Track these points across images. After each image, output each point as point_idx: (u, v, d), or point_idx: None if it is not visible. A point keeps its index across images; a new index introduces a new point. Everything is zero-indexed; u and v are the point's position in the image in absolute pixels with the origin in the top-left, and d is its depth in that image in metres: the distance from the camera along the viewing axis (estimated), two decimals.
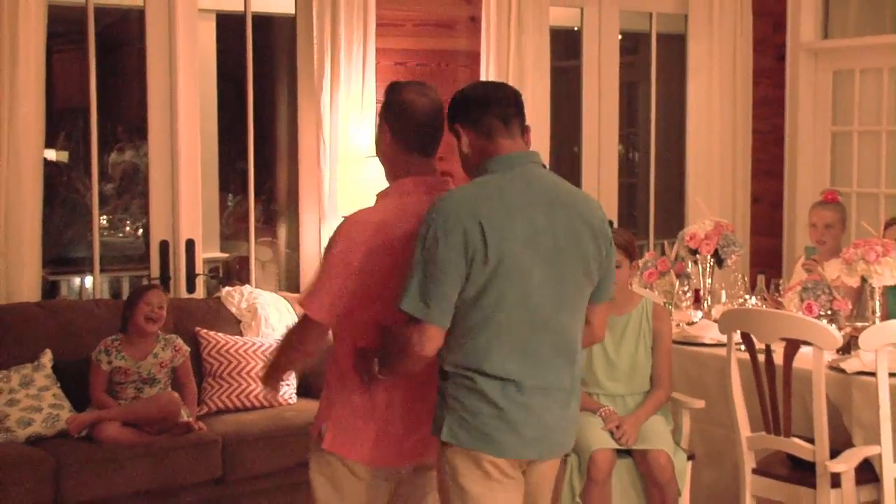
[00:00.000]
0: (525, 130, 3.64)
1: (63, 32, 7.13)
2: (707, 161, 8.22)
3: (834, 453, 4.75)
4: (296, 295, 6.71)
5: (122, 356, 5.67)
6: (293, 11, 6.92)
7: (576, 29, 8.11)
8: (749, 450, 5.04)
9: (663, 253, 6.46)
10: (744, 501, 5.05)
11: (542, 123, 7.49)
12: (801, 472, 4.87)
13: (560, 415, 3.59)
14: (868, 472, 4.82)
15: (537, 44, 7.40)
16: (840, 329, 5.23)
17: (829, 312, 5.35)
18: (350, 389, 3.67)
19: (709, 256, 6.17)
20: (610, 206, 8.06)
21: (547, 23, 7.47)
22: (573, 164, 8.19)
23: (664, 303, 6.02)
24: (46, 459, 5.23)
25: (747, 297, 6.01)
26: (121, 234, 8.98)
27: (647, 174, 8.49)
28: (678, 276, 6.16)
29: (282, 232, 8.74)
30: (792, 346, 4.80)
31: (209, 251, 7.72)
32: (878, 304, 5.34)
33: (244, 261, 7.46)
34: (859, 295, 5.58)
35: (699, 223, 6.28)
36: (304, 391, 6.19)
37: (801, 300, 5.41)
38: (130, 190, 8.94)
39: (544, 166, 3.66)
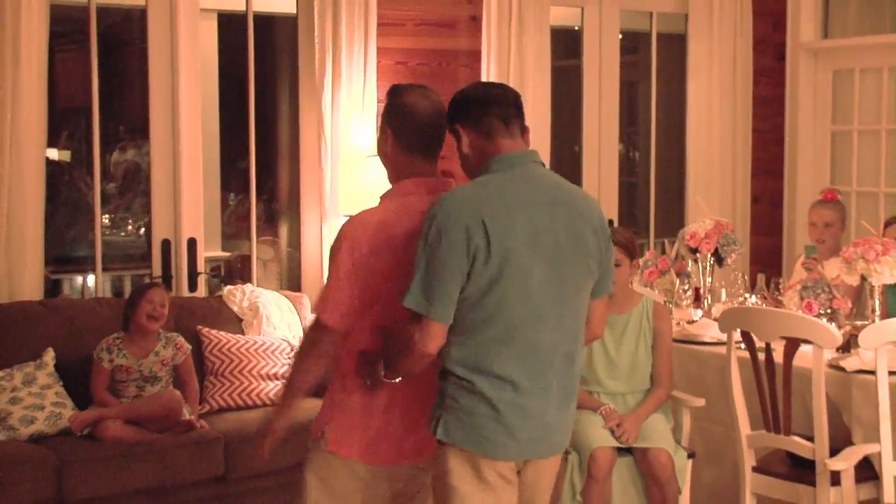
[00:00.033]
0: (524, 131, 3.65)
1: (65, 32, 7.13)
2: (707, 160, 8.22)
3: (834, 451, 4.76)
4: (297, 294, 6.73)
5: (123, 354, 5.68)
6: (294, 11, 6.92)
7: (576, 28, 8.11)
8: (749, 448, 5.05)
9: (663, 252, 6.47)
10: (744, 499, 5.06)
11: (543, 123, 7.50)
12: (801, 470, 4.88)
13: (558, 415, 3.60)
14: (868, 470, 4.83)
15: (538, 43, 7.41)
16: (840, 327, 5.24)
17: (828, 311, 5.36)
18: (351, 390, 3.68)
19: (709, 255, 6.17)
20: (610, 205, 8.07)
21: (548, 22, 7.48)
22: (574, 163, 8.19)
23: (664, 301, 6.03)
24: (49, 457, 5.24)
25: (747, 295, 6.02)
26: (123, 233, 8.99)
27: (647, 173, 8.50)
28: (678, 274, 6.18)
29: (283, 231, 8.75)
30: (792, 345, 4.81)
31: (211, 250, 7.73)
32: (877, 302, 5.35)
33: (246, 259, 7.47)
34: (859, 293, 5.59)
35: (699, 222, 6.28)
36: None
37: (801, 299, 5.41)
38: (132, 189, 8.95)
39: (543, 165, 3.68)
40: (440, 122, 3.69)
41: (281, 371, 6.15)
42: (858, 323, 5.32)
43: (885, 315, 5.33)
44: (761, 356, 4.92)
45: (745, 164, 8.39)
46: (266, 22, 7.87)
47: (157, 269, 6.51)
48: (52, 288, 7.74)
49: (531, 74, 7.38)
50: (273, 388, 6.08)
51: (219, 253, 8.43)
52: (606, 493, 5.05)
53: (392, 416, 3.69)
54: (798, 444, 4.85)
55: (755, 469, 5.05)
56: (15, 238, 5.93)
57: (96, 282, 6.56)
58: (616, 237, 5.10)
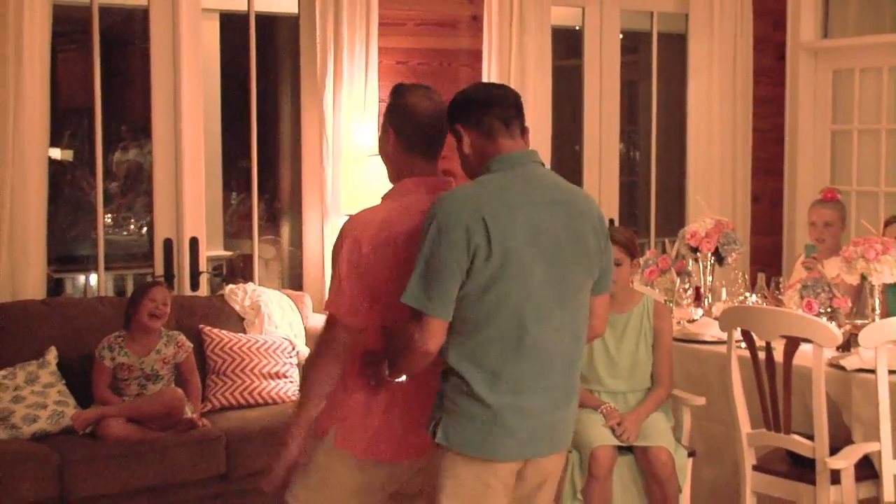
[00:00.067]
0: (525, 131, 3.66)
1: (68, 32, 7.14)
2: (707, 159, 8.23)
3: (834, 450, 4.76)
4: (299, 293, 6.74)
5: (125, 353, 5.69)
6: (296, 11, 6.94)
7: (577, 28, 8.12)
8: (749, 446, 5.05)
9: (664, 251, 6.47)
10: (744, 498, 5.07)
11: (544, 122, 7.52)
12: (801, 468, 4.89)
13: (559, 414, 3.61)
14: (867, 469, 4.83)
15: (539, 43, 7.42)
16: (840, 326, 5.23)
17: (828, 310, 5.36)
18: (353, 390, 3.68)
19: (709, 254, 6.17)
20: (611, 205, 8.08)
21: (548, 22, 7.49)
22: (575, 162, 8.20)
23: (665, 300, 6.03)
24: (51, 456, 5.26)
25: (748, 294, 6.01)
26: (125, 233, 8.98)
27: (647, 172, 8.51)
28: (679, 273, 6.18)
29: (285, 230, 8.75)
30: (792, 344, 4.82)
31: (213, 249, 7.72)
32: (877, 301, 5.35)
33: (248, 258, 7.48)
34: (859, 293, 5.58)
35: (700, 221, 6.28)
36: None
37: (801, 298, 5.41)
38: (135, 188, 8.95)
39: (543, 165, 3.69)
40: (442, 123, 3.70)
41: (283, 370, 6.17)
42: (858, 322, 5.32)
43: (885, 314, 5.33)
44: (761, 355, 4.92)
45: (745, 164, 8.40)
46: (268, 22, 7.87)
47: (159, 268, 6.53)
48: (55, 287, 7.74)
49: (532, 74, 7.39)
50: (275, 387, 6.10)
51: (221, 252, 8.43)
52: (607, 492, 5.05)
53: (392, 416, 3.69)
54: (798, 443, 4.86)
55: (755, 468, 5.05)
56: (18, 237, 5.95)
57: (99, 281, 6.58)
58: (616, 236, 5.12)
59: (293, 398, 6.12)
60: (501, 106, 3.61)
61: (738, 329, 5.05)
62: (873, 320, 5.26)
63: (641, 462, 5.13)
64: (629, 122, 9.17)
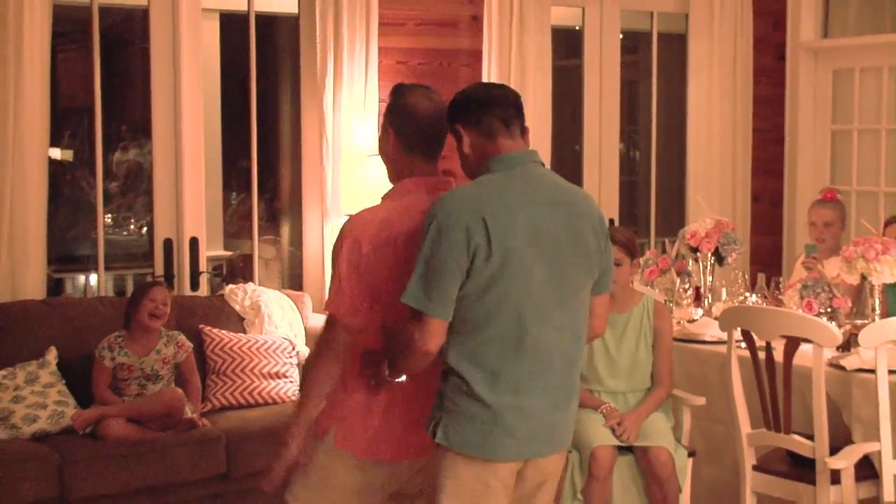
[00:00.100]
0: (524, 131, 3.66)
1: (68, 32, 7.14)
2: (707, 159, 8.24)
3: (834, 450, 4.77)
4: (299, 293, 6.74)
5: (124, 352, 5.70)
6: (296, 11, 6.95)
7: (577, 28, 8.13)
8: (749, 446, 5.06)
9: (664, 251, 6.47)
10: (744, 498, 5.07)
11: (544, 122, 7.52)
12: (801, 468, 4.89)
13: (559, 415, 3.61)
14: (867, 469, 4.83)
15: (539, 43, 7.43)
16: (840, 326, 5.24)
17: (828, 310, 5.36)
18: (353, 390, 3.68)
19: (709, 254, 6.17)
20: (611, 205, 8.09)
21: (548, 22, 7.50)
22: (575, 162, 8.20)
23: (665, 300, 6.04)
24: (51, 456, 5.26)
25: (748, 294, 6.02)
26: (125, 233, 8.98)
27: (647, 172, 8.51)
28: (679, 273, 6.19)
29: (285, 230, 8.76)
30: (792, 344, 4.82)
31: (213, 249, 7.73)
32: (877, 301, 5.35)
33: (247, 258, 7.49)
34: (859, 293, 5.58)
35: (700, 221, 6.29)
36: None
37: (801, 298, 5.42)
38: (135, 188, 8.95)
39: (543, 165, 3.69)
40: (442, 123, 3.70)
41: (283, 369, 6.17)
42: (858, 322, 5.32)
43: (885, 314, 5.33)
44: (761, 355, 4.92)
45: (745, 164, 8.40)
46: (268, 22, 7.87)
47: (159, 268, 6.53)
48: (55, 287, 7.74)
49: (532, 74, 7.39)
50: (275, 387, 6.10)
51: (221, 252, 8.43)
52: (607, 492, 5.05)
53: (392, 416, 3.69)
54: (798, 443, 4.86)
55: (755, 467, 5.06)
56: (18, 237, 5.95)
57: (99, 281, 6.58)
58: (616, 236, 5.12)
59: (293, 398, 6.12)
60: (501, 106, 3.62)
61: (738, 329, 5.05)
62: (873, 320, 5.26)
63: (641, 462, 5.13)
64: (629, 121, 9.17)
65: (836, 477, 4.75)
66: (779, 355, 4.87)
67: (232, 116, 7.28)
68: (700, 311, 6.10)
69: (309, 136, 6.95)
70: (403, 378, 3.62)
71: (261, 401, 6.07)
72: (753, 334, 4.97)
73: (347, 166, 6.70)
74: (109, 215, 8.69)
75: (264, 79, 7.02)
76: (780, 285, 5.92)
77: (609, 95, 8.10)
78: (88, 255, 7.70)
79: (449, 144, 3.71)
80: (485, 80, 7.11)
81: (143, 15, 6.52)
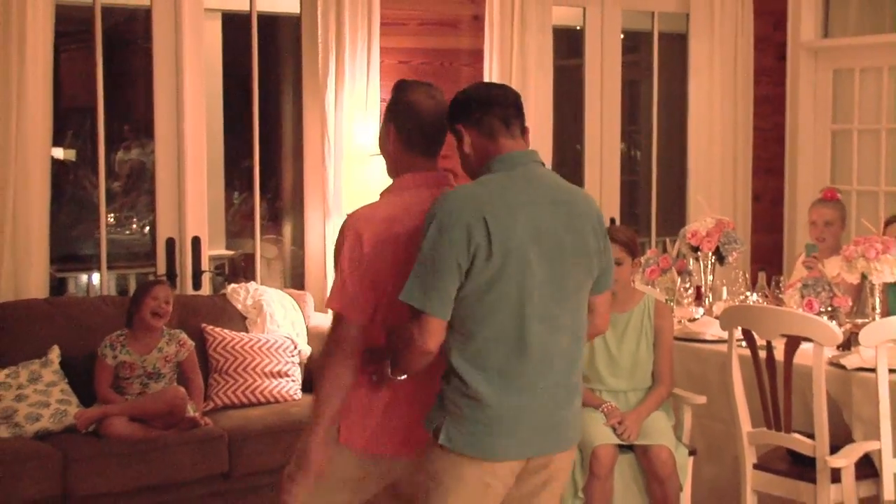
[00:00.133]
0: (525, 131, 3.67)
1: (70, 32, 7.16)
2: (708, 159, 8.25)
3: (834, 449, 4.77)
4: (301, 292, 6.75)
5: (126, 351, 5.70)
6: (298, 11, 6.96)
7: (578, 28, 8.13)
8: (750, 445, 5.06)
9: (665, 250, 6.48)
10: (744, 496, 5.08)
11: (545, 122, 7.54)
12: (802, 467, 4.90)
13: (562, 413, 3.61)
14: (868, 468, 4.84)
15: (540, 43, 7.44)
16: (840, 325, 5.24)
17: (829, 309, 5.37)
18: (355, 385, 3.69)
19: (710, 253, 6.17)
20: (612, 204, 8.10)
21: (550, 22, 7.51)
22: (576, 161, 8.21)
23: (666, 300, 6.04)
24: (54, 454, 5.27)
25: (748, 293, 6.01)
26: (127, 232, 8.99)
27: (648, 172, 8.51)
28: (680, 273, 6.19)
29: (287, 229, 8.76)
30: (792, 343, 4.82)
31: (215, 248, 7.74)
32: (877, 300, 5.35)
33: (250, 258, 7.50)
34: (859, 292, 5.59)
35: (700, 220, 6.29)
36: (308, 387, 6.24)
37: (802, 297, 5.42)
38: (137, 188, 8.95)
39: (543, 165, 3.70)
40: (443, 122, 3.70)
41: (285, 368, 6.18)
42: (859, 321, 5.32)
43: (886, 313, 5.33)
44: (762, 354, 4.93)
45: (745, 163, 8.42)
46: (270, 22, 7.89)
47: (161, 267, 6.54)
48: (58, 286, 7.76)
49: (533, 74, 7.40)
50: (277, 386, 6.11)
51: (223, 251, 8.44)
52: (608, 491, 5.06)
53: (393, 413, 3.71)
54: (799, 442, 4.87)
55: (756, 466, 5.06)
56: (20, 236, 5.96)
57: (101, 280, 6.59)
58: (617, 236, 5.14)
59: (295, 397, 6.14)
60: (502, 106, 3.62)
61: (739, 328, 5.06)
62: (874, 319, 5.26)
63: (642, 461, 5.14)
64: (630, 121, 9.18)
65: (836, 475, 4.75)
66: (779, 354, 4.88)
67: (234, 116, 7.28)
68: (701, 310, 6.10)
69: (311, 135, 6.96)
70: (404, 377, 3.63)
71: (263, 400, 6.08)
72: (754, 333, 4.97)
73: (349, 166, 6.71)
74: (112, 215, 8.70)
75: (266, 78, 7.03)
76: (781, 284, 5.93)
77: (610, 95, 8.11)
78: (91, 254, 7.71)
79: (450, 144, 3.72)
80: (486, 79, 7.12)
81: (145, 15, 6.54)
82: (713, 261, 6.21)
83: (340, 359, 3.61)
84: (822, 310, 5.35)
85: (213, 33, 7.97)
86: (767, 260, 8.27)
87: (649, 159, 8.50)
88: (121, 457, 5.36)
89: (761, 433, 5.03)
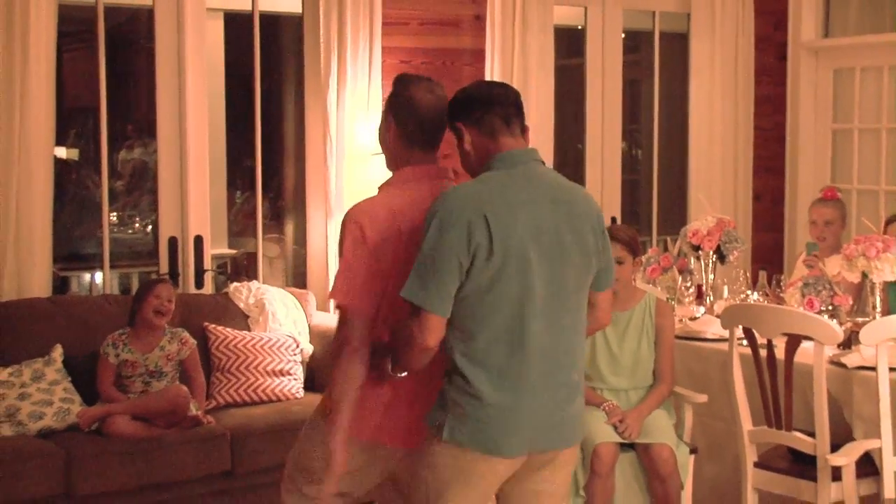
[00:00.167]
0: (524, 130, 3.68)
1: (73, 32, 7.17)
2: (709, 158, 8.26)
3: (835, 447, 4.78)
4: (303, 291, 6.76)
5: (128, 349, 5.71)
6: (300, 10, 6.97)
7: (579, 28, 8.14)
8: (751, 443, 5.07)
9: (666, 249, 6.48)
10: (745, 494, 5.09)
11: (546, 121, 7.55)
12: (803, 465, 4.91)
13: (564, 411, 3.62)
14: (868, 466, 4.85)
15: (541, 42, 7.45)
16: (841, 324, 5.24)
17: (830, 308, 5.37)
18: None
19: (711, 252, 6.18)
20: (613, 203, 8.11)
21: (551, 21, 7.52)
22: (577, 161, 8.22)
23: (667, 298, 6.05)
24: (57, 452, 5.27)
25: (749, 292, 6.02)
26: (130, 231, 9.00)
27: (649, 171, 8.52)
28: (681, 272, 6.20)
29: (289, 228, 8.77)
30: (793, 341, 4.83)
31: (217, 247, 7.74)
32: (878, 299, 5.35)
33: (252, 257, 7.50)
34: (860, 290, 5.58)
35: (701, 219, 6.30)
36: (310, 385, 6.26)
37: (803, 295, 5.43)
38: (140, 187, 8.96)
39: (543, 163, 3.71)
40: (443, 116, 3.72)
41: (287, 367, 6.19)
42: (859, 320, 5.31)
43: (886, 312, 5.33)
44: (763, 352, 4.94)
45: (746, 162, 8.43)
46: (272, 21, 7.90)
47: (164, 266, 6.55)
48: (61, 285, 7.75)
49: (535, 73, 7.42)
50: (279, 384, 6.12)
51: (225, 250, 8.45)
52: (609, 489, 5.07)
53: (394, 413, 3.72)
54: (799, 440, 4.88)
55: (757, 464, 5.07)
56: (24, 236, 5.97)
57: (104, 279, 6.59)
58: (619, 235, 5.14)
59: (297, 395, 6.15)
60: (502, 104, 3.64)
61: (740, 327, 5.06)
62: (874, 318, 5.26)
63: (643, 459, 5.15)
64: (631, 120, 9.19)
65: (837, 474, 4.76)
66: (780, 353, 4.88)
67: (236, 116, 7.30)
68: (702, 309, 6.11)
69: (313, 135, 6.97)
70: (404, 374, 3.64)
71: (265, 398, 6.09)
72: (755, 332, 4.98)
73: (351, 165, 6.73)
74: (115, 214, 8.70)
75: (268, 78, 7.05)
76: (782, 283, 5.93)
77: (611, 94, 8.12)
78: (94, 253, 7.71)
79: (451, 143, 3.73)
80: (487, 79, 7.14)
81: (148, 15, 6.54)
82: (714, 259, 6.22)
83: (349, 355, 3.61)
84: (823, 308, 5.36)
85: (216, 33, 7.98)
86: (768, 259, 8.28)
87: (650, 158, 8.51)
88: (123, 455, 5.36)
89: (762, 431, 5.04)
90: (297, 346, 6.30)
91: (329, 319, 6.55)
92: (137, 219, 9.01)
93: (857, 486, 4.80)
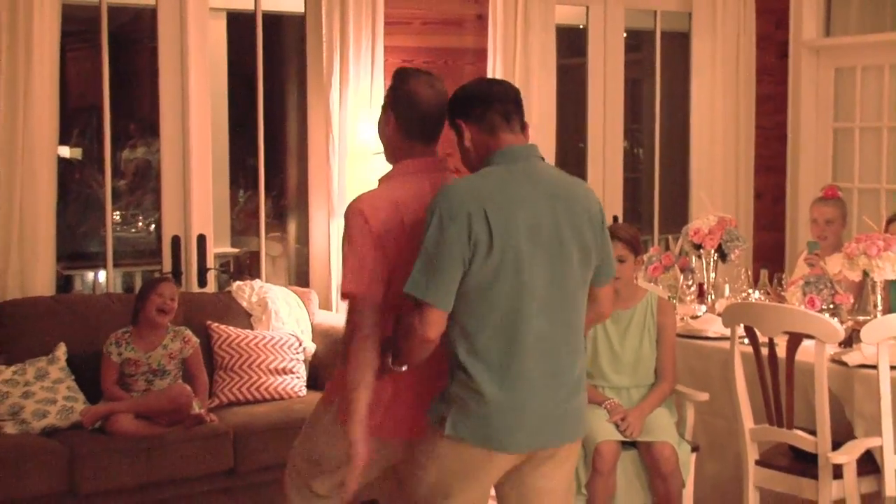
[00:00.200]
0: (524, 127, 3.70)
1: (77, 31, 7.16)
2: (710, 157, 8.27)
3: (836, 445, 4.79)
4: (305, 289, 6.76)
5: (131, 348, 5.71)
6: (303, 10, 6.97)
7: (581, 27, 8.15)
8: (752, 441, 5.08)
9: (668, 248, 6.49)
10: (747, 492, 5.10)
11: (548, 120, 7.56)
12: (804, 463, 4.92)
13: (565, 407, 3.64)
14: (869, 464, 4.86)
15: (543, 42, 7.46)
16: (842, 323, 5.24)
17: (831, 306, 5.37)
18: None
19: (712, 251, 6.19)
20: (615, 202, 8.12)
21: (553, 21, 7.53)
22: (579, 159, 8.23)
23: (668, 297, 6.05)
24: (61, 450, 5.28)
25: (750, 291, 6.02)
26: (133, 230, 9.01)
27: (651, 170, 8.53)
28: (682, 270, 6.20)
29: (291, 227, 8.78)
30: (794, 340, 4.84)
31: (220, 246, 7.76)
32: (879, 297, 5.36)
33: (254, 256, 7.50)
34: (861, 289, 5.60)
35: (703, 218, 6.30)
36: (313, 384, 6.27)
37: (804, 294, 5.43)
38: (143, 186, 8.97)
39: (543, 159, 3.73)
40: (443, 111, 3.74)
41: (290, 365, 6.20)
42: (860, 318, 5.32)
43: (887, 310, 5.34)
44: (764, 351, 4.95)
45: (747, 161, 8.44)
46: (274, 21, 7.91)
47: (167, 264, 6.55)
48: (64, 284, 7.76)
49: (536, 72, 7.42)
50: (282, 383, 6.13)
51: (228, 249, 8.47)
52: (611, 487, 5.08)
53: (395, 411, 3.74)
54: (800, 438, 4.89)
55: (758, 462, 5.08)
56: (27, 234, 5.97)
57: (107, 277, 6.60)
58: (620, 233, 5.15)
59: (300, 394, 6.16)
60: (502, 101, 3.66)
61: (741, 325, 5.07)
62: (875, 316, 5.27)
63: (645, 457, 5.16)
64: (633, 119, 9.20)
65: (838, 472, 4.77)
66: (781, 351, 4.89)
67: (239, 115, 7.31)
68: (703, 308, 6.11)
69: (315, 134, 6.97)
70: (405, 367, 3.65)
71: (268, 396, 6.10)
72: (756, 330, 4.99)
73: (353, 164, 6.74)
74: (118, 212, 8.72)
75: (271, 77, 7.05)
76: (783, 282, 5.95)
77: (613, 93, 8.13)
78: (97, 251, 7.73)
79: (453, 141, 3.75)
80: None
81: (151, 14, 6.54)
82: (715, 258, 6.23)
83: (362, 341, 3.60)
84: (824, 307, 5.36)
85: (218, 32, 8.00)
86: (769, 257, 8.29)
87: (652, 157, 8.52)
88: (127, 453, 5.37)
89: (763, 430, 5.05)
90: (300, 345, 6.31)
91: (331, 318, 6.57)
92: (140, 217, 9.03)
93: (859, 484, 4.81)
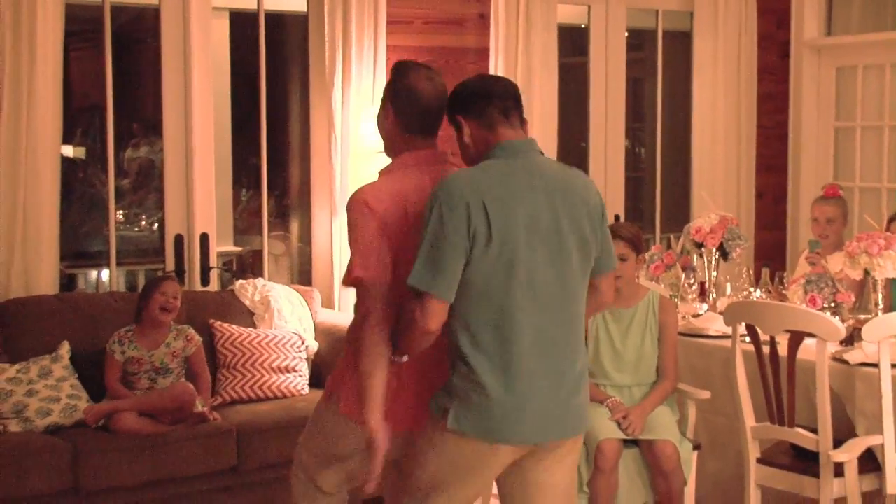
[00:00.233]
0: (523, 122, 3.73)
1: (80, 31, 7.17)
2: (712, 156, 8.28)
3: (837, 443, 4.80)
4: (308, 288, 6.77)
5: (134, 346, 5.73)
6: (305, 9, 6.97)
7: (583, 26, 8.16)
8: (753, 439, 5.09)
9: (669, 246, 6.51)
10: (748, 490, 5.10)
11: (550, 119, 7.56)
12: (805, 461, 4.92)
13: (566, 401, 3.65)
14: (870, 462, 4.87)
15: (545, 41, 7.46)
16: (843, 321, 5.24)
17: (832, 305, 5.37)
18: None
19: (714, 250, 6.20)
20: (616, 200, 8.12)
21: (555, 20, 7.53)
22: (580, 158, 8.23)
23: (670, 295, 6.07)
24: (64, 448, 5.28)
25: (752, 289, 6.03)
26: (136, 229, 9.01)
27: (653, 169, 8.54)
28: (684, 269, 6.21)
29: (294, 226, 8.78)
30: (796, 338, 4.85)
31: (223, 245, 7.76)
32: (880, 296, 5.36)
33: (257, 254, 7.51)
34: (862, 287, 5.60)
35: (704, 217, 6.31)
36: (315, 382, 6.28)
37: (805, 292, 5.43)
38: (146, 185, 8.97)
39: (542, 154, 3.74)
40: (442, 104, 3.76)
41: (292, 364, 6.21)
42: (862, 316, 5.33)
43: (888, 309, 5.35)
44: (766, 349, 4.95)
45: (749, 160, 8.44)
46: (277, 20, 7.90)
47: (170, 263, 6.56)
48: (68, 282, 7.77)
49: (538, 71, 7.43)
50: (284, 381, 6.14)
51: (231, 248, 8.47)
52: (613, 485, 5.08)
53: (400, 398, 3.74)
54: (802, 436, 4.90)
55: (759, 460, 5.09)
56: (31, 233, 5.98)
57: (111, 276, 6.61)
58: (622, 232, 5.16)
59: (302, 392, 6.17)
60: (501, 97, 3.69)
61: (743, 323, 5.08)
62: (876, 315, 5.28)
63: (647, 455, 5.16)
64: (634, 118, 9.20)
65: (839, 470, 4.78)
66: (783, 350, 4.90)
67: (242, 114, 7.32)
68: (705, 306, 6.12)
69: (318, 133, 6.98)
70: (405, 358, 3.67)
71: (271, 395, 6.10)
72: (758, 329, 5.00)
73: (356, 163, 6.74)
74: (121, 212, 8.72)
75: (274, 76, 7.04)
76: (784, 280, 5.96)
77: (615, 93, 8.14)
78: (100, 250, 7.72)
79: (452, 138, 3.77)
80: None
81: (154, 14, 6.54)
82: (717, 257, 6.24)
83: (373, 327, 3.60)
84: (826, 305, 5.36)
85: (221, 32, 8.00)
86: (771, 256, 8.28)
87: (653, 156, 8.53)
88: (130, 451, 5.38)
89: (765, 428, 5.05)
90: (303, 343, 6.32)
91: (334, 317, 6.58)
92: (144, 216, 9.03)
93: (860, 482, 4.81)
